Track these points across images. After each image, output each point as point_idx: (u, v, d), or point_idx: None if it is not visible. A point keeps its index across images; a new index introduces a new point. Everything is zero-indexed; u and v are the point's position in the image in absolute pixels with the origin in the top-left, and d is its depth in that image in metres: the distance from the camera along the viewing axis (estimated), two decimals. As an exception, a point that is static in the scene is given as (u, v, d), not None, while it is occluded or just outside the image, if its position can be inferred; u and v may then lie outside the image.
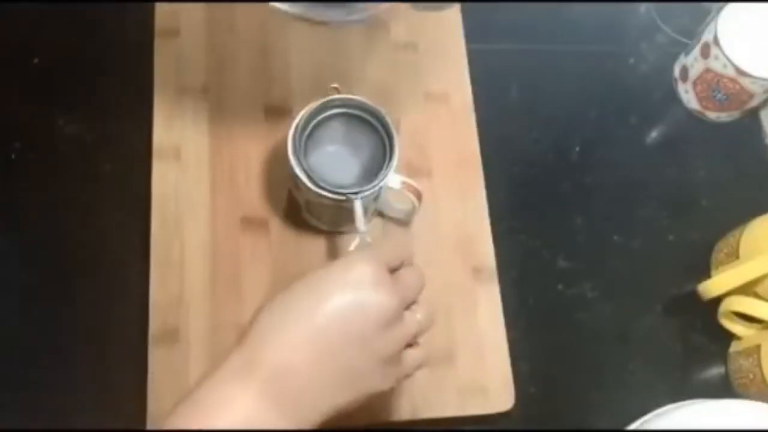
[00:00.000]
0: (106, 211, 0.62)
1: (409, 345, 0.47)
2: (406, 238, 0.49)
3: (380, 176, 0.54)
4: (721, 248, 0.64)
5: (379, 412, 0.57)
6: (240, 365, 0.42)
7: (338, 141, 0.59)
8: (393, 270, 0.47)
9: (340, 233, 0.61)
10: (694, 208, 0.67)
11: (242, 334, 0.44)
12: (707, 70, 0.65)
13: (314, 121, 0.56)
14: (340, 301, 0.43)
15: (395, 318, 0.45)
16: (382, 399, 0.58)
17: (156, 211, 0.61)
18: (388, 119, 0.55)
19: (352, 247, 0.51)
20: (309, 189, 0.54)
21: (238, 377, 0.41)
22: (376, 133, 0.56)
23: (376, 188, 0.55)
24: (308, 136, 0.56)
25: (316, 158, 0.57)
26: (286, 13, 0.47)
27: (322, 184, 0.54)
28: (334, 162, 0.58)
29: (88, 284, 0.60)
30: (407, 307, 0.46)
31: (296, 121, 0.55)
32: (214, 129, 0.64)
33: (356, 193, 0.54)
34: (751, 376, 0.59)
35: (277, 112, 0.64)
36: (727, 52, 0.62)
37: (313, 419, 0.42)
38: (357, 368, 0.44)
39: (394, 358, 0.46)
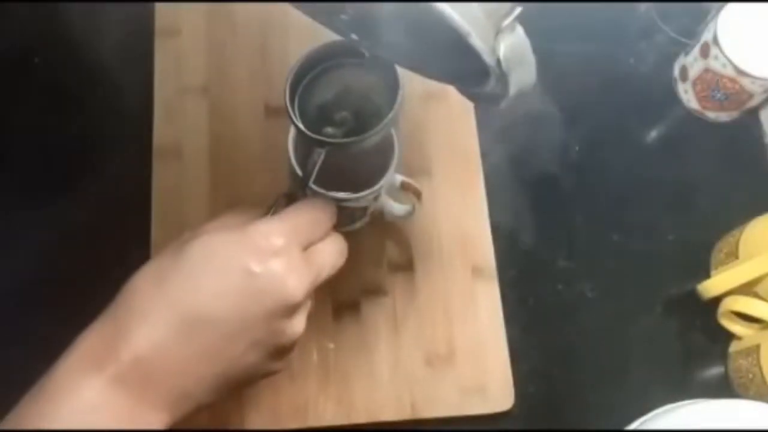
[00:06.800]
0: (107, 211, 0.62)
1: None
2: (328, 203, 0.39)
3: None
4: (721, 248, 0.64)
5: (379, 412, 0.57)
6: (100, 344, 0.35)
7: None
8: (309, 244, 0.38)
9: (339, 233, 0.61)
10: (694, 208, 0.67)
11: (111, 303, 0.36)
12: (707, 70, 0.65)
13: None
14: (232, 283, 0.34)
15: (298, 307, 0.37)
16: (382, 399, 0.58)
17: (156, 211, 0.61)
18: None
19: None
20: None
21: (95, 360, 0.34)
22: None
23: (377, 188, 0.54)
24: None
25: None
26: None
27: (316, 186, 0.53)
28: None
29: (88, 284, 0.60)
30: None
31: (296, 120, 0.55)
32: (214, 129, 0.64)
33: (331, 143, 0.45)
34: (750, 376, 0.59)
35: (277, 112, 0.64)
36: (727, 52, 0.62)
37: (186, 406, 0.36)
38: (242, 363, 0.36)
39: (287, 347, 0.38)
